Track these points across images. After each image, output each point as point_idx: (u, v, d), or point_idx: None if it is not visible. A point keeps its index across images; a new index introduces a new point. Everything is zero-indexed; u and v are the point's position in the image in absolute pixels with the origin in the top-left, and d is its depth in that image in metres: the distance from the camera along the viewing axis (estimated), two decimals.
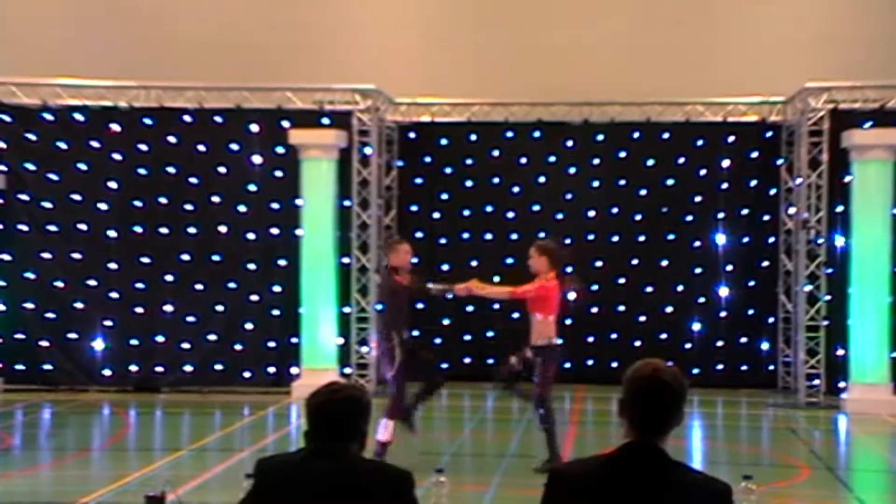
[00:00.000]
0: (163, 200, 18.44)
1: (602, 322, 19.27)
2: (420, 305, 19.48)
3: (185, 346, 18.45)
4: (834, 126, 17.61)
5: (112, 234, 18.45)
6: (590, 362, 19.24)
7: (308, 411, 4.51)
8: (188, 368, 18.46)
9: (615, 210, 19.38)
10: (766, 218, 19.08)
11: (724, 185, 19.10)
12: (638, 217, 19.27)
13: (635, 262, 19.29)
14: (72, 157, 18.42)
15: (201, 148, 18.46)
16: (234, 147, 18.43)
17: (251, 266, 18.44)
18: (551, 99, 19.35)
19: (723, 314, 19.14)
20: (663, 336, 19.09)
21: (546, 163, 19.48)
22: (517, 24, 20.38)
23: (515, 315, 19.35)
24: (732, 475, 5.08)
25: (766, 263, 19.13)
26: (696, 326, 19.18)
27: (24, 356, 18.39)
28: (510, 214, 19.42)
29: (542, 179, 19.50)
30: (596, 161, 19.45)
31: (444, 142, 19.79)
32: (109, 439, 15.50)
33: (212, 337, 18.47)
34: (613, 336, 19.23)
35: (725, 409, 17.77)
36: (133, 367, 18.43)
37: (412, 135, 19.88)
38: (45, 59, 19.55)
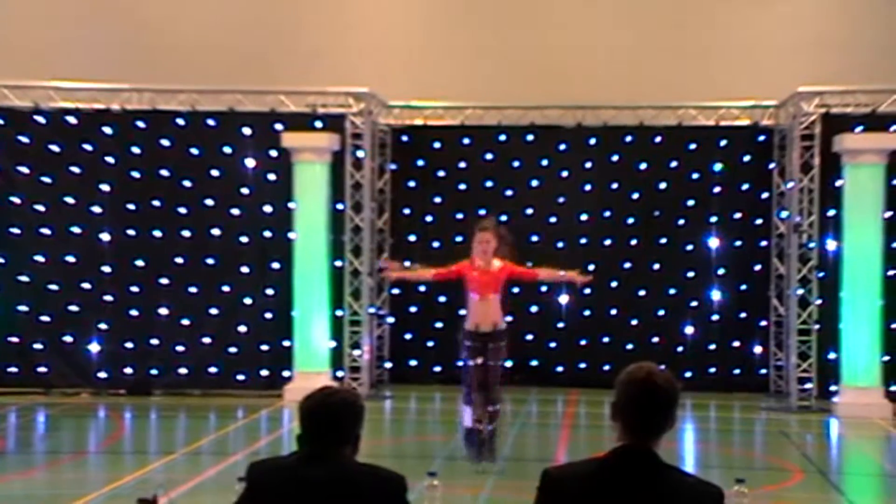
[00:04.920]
0: (156, 203, 18.41)
1: (594, 325, 19.28)
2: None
3: (180, 348, 18.43)
4: (826, 130, 17.63)
5: (105, 236, 18.42)
6: (582, 365, 19.25)
7: (301, 414, 4.50)
8: (182, 371, 18.44)
9: (608, 213, 19.38)
10: (759, 222, 19.10)
11: (717, 189, 19.13)
12: (630, 220, 19.28)
13: (628, 265, 19.30)
14: (64, 160, 18.38)
15: (194, 151, 18.44)
16: (227, 150, 18.41)
17: (244, 269, 18.43)
18: (544, 102, 19.35)
19: (715, 318, 19.15)
20: (656, 339, 19.09)
21: (539, 166, 19.49)
22: (511, 28, 20.39)
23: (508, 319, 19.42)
24: (725, 479, 5.10)
25: (758, 267, 19.14)
26: (689, 330, 19.19)
27: (18, 359, 18.35)
28: (503, 218, 19.15)
29: (535, 183, 19.50)
30: (589, 164, 19.47)
31: (437, 145, 19.78)
32: (103, 442, 15.48)
33: (206, 340, 18.45)
34: (606, 339, 19.23)
35: (718, 412, 17.79)
36: (128, 370, 18.40)
37: (405, 138, 19.88)
38: (37, 61, 19.51)
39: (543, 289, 19.23)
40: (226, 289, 18.45)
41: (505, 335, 12.52)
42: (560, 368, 19.49)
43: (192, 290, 18.44)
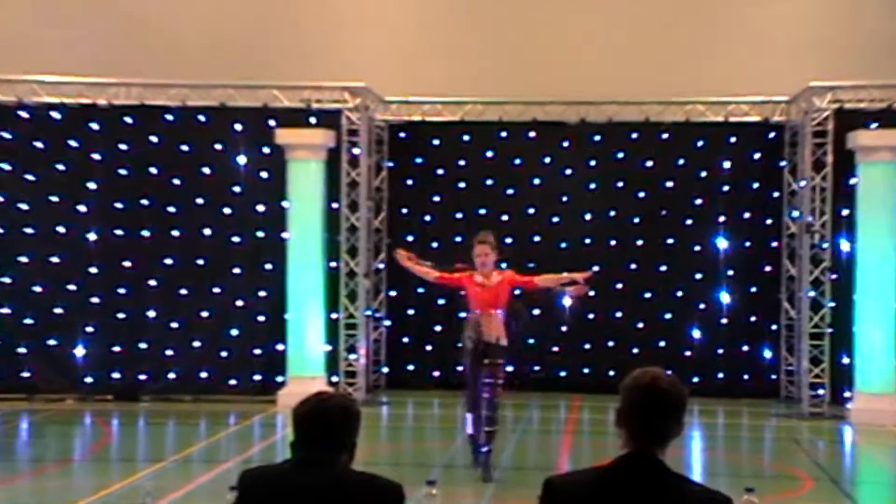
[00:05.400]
0: (145, 202, 18.42)
1: (599, 329, 19.27)
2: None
3: (169, 352, 18.43)
4: (839, 127, 17.63)
5: (92, 236, 18.42)
6: (586, 370, 19.25)
7: (295, 420, 4.51)
8: (172, 376, 18.44)
9: (612, 213, 19.39)
10: (769, 221, 19.11)
11: (726, 188, 19.12)
12: (636, 220, 19.29)
13: (633, 266, 19.30)
14: (49, 157, 18.38)
15: (184, 148, 18.44)
16: (219, 147, 18.41)
17: (236, 270, 18.43)
18: (547, 98, 19.35)
19: (724, 321, 19.14)
20: (662, 343, 19.09)
21: (541, 164, 19.49)
22: (512, 21, 20.38)
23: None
24: (734, 487, 5.10)
25: (768, 268, 19.15)
26: (696, 333, 19.18)
27: (2, 363, 18.35)
28: (504, 217, 19.39)
29: (537, 181, 19.51)
30: (593, 162, 19.47)
31: (435, 142, 19.79)
32: (90, 449, 15.48)
33: (196, 343, 18.45)
34: (610, 343, 19.23)
35: (726, 419, 17.79)
36: (115, 375, 18.40)
37: (403, 135, 19.88)
38: (21, 55, 19.49)
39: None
40: (217, 290, 18.45)
41: (505, 352, 12.54)
42: (562, 373, 19.48)
43: (183, 291, 18.44)
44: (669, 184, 19.27)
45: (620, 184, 19.35)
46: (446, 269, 13.13)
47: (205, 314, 18.47)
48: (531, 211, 19.46)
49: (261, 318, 18.42)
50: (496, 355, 12.42)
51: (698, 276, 19.18)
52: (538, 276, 13.12)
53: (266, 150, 18.21)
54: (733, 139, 19.15)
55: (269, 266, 18.36)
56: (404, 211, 19.86)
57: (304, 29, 20.38)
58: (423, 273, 13.22)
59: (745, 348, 19.16)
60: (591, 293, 18.83)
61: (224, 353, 18.47)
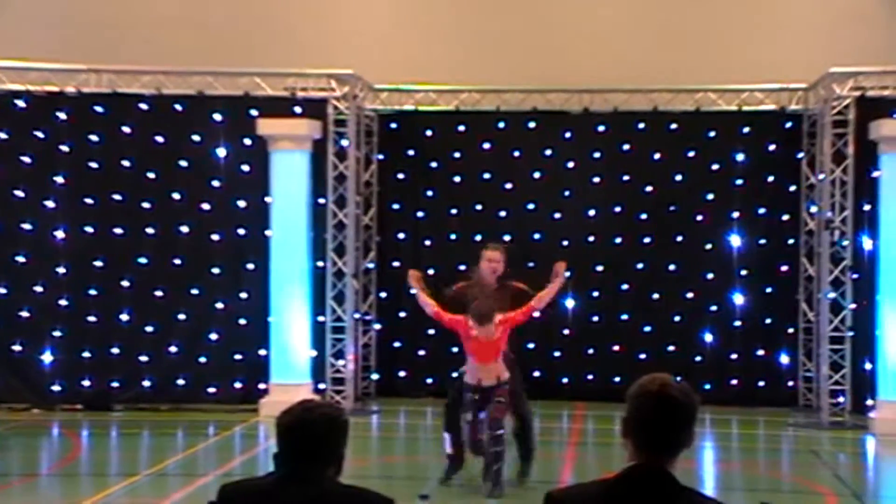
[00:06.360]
0: (117, 197, 18.40)
1: (604, 332, 19.28)
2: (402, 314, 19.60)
3: (144, 358, 18.41)
4: (861, 116, 17.65)
5: (60, 234, 18.39)
6: (590, 377, 19.26)
7: (279, 431, 4.51)
8: (147, 383, 18.43)
9: (618, 209, 19.39)
10: (786, 217, 19.13)
11: (739, 181, 19.13)
12: (643, 216, 19.29)
13: (640, 266, 19.30)
14: (13, 149, 18.34)
15: (159, 139, 18.42)
16: (197, 138, 18.40)
17: (216, 270, 18.43)
18: (548, 85, 19.36)
19: (737, 324, 19.16)
20: (671, 348, 19.10)
21: (542, 156, 19.50)
22: (511, 3, 20.38)
23: None
24: (748, 502, 5.12)
25: (785, 268, 19.17)
26: (708, 337, 19.20)
27: None
28: (502, 213, 19.42)
29: (537, 175, 19.51)
30: (597, 154, 19.47)
31: (429, 133, 19.79)
32: (57, 463, 15.47)
33: (173, 349, 18.44)
34: (616, 348, 19.24)
35: (741, 428, 17.81)
36: (85, 383, 18.38)
37: (394, 125, 19.87)
38: None
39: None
40: (195, 292, 18.44)
41: (507, 382, 12.53)
42: (565, 380, 19.48)
43: (158, 293, 18.43)
44: (679, 177, 19.29)
45: (627, 177, 19.37)
46: (443, 296, 13.06)
47: (182, 317, 18.46)
48: (531, 206, 19.45)
49: (242, 322, 18.41)
50: (499, 388, 12.41)
51: (710, 275, 19.19)
52: (532, 299, 12.80)
53: (247, 141, 18.21)
54: (747, 129, 19.16)
55: (250, 266, 18.36)
56: (395, 206, 19.85)
57: (288, 11, 20.36)
58: (423, 302, 13.06)
59: (761, 353, 19.17)
60: (596, 294, 19.03)
61: (202, 359, 18.47)
